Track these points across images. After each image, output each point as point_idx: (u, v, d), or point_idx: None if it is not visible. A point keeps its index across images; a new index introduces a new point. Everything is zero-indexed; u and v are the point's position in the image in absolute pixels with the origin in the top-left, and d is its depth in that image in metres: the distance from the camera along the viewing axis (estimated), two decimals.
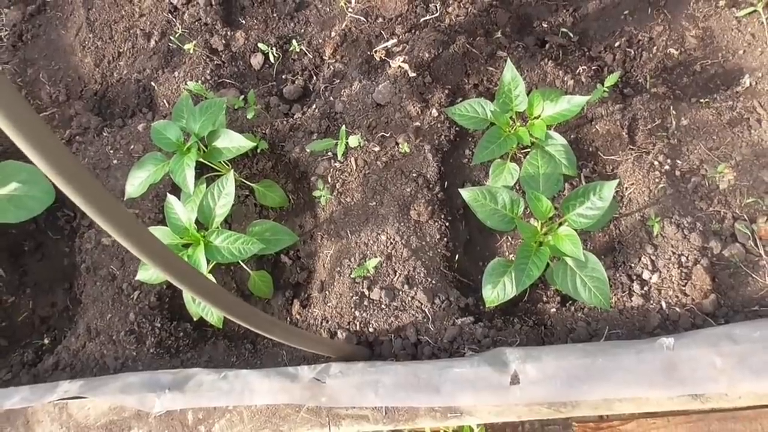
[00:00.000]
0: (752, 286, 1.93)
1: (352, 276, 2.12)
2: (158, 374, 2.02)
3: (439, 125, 2.35)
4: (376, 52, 2.54)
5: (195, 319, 2.22)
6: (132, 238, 1.06)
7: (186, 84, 2.63)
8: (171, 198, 2.10)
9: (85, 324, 2.26)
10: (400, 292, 2.08)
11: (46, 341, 2.42)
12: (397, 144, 2.32)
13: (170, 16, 2.84)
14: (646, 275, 2.00)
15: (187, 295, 2.16)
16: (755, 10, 2.38)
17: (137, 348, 2.20)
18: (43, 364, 2.24)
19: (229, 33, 2.78)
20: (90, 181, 0.95)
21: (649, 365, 1.66)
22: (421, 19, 2.61)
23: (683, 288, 1.93)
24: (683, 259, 1.97)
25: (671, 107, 2.28)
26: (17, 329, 2.53)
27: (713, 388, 1.63)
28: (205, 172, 2.34)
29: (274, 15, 2.85)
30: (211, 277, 2.09)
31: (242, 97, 2.60)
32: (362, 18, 2.67)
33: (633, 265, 2.04)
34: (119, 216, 1.03)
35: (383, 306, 2.07)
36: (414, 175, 2.27)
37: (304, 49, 2.73)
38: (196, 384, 1.94)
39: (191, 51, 2.71)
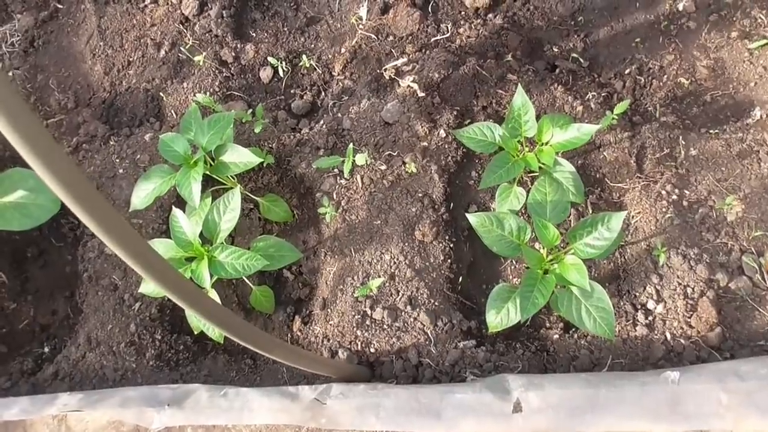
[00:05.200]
0: (759, 320, 1.92)
1: (354, 295, 2.11)
2: (157, 389, 2.01)
3: (446, 146, 2.35)
4: (385, 70, 2.55)
5: (196, 333, 2.21)
6: (137, 258, 1.05)
7: (194, 95, 2.63)
8: (177, 212, 2.10)
9: (86, 334, 2.26)
10: (403, 313, 2.07)
11: (46, 350, 2.41)
12: (403, 163, 2.31)
13: (181, 27, 2.85)
14: (651, 305, 1.99)
15: None
16: (767, 43, 2.39)
17: (137, 360, 2.20)
18: (43, 373, 2.24)
19: (239, 45, 2.79)
20: (95, 197, 0.95)
21: (654, 398, 1.65)
22: (432, 39, 2.61)
23: (688, 320, 1.92)
24: (689, 290, 1.96)
25: (680, 137, 2.28)
26: (17, 336, 2.52)
27: (719, 425, 1.61)
28: (211, 185, 2.34)
29: (285, 29, 2.86)
30: (213, 291, 2.09)
31: (250, 110, 2.60)
32: (373, 35, 2.68)
33: (638, 294, 2.03)
34: (125, 235, 1.02)
35: (385, 326, 2.06)
36: (420, 195, 2.26)
37: (313, 64, 2.73)
38: (195, 400, 1.93)
39: (201, 62, 2.71)
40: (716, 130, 2.31)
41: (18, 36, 3.00)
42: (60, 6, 3.06)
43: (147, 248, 1.09)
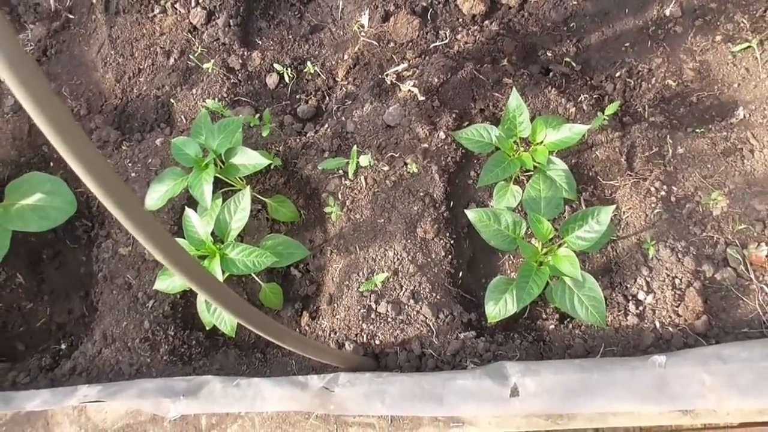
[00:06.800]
0: (742, 308, 2.02)
1: (360, 290, 2.21)
2: (173, 381, 2.10)
3: (446, 147, 2.46)
4: (387, 75, 2.66)
5: (208, 328, 2.30)
6: (164, 250, 1.15)
7: (204, 101, 2.74)
8: (189, 212, 2.20)
9: (102, 331, 2.35)
10: (406, 306, 2.17)
11: (63, 347, 2.50)
12: (405, 164, 2.42)
13: (189, 35, 2.96)
14: (641, 296, 2.09)
15: (201, 305, 2.25)
16: (750, 46, 2.50)
17: (151, 355, 2.28)
18: (61, 369, 2.32)
19: (246, 53, 2.90)
20: (130, 196, 1.05)
21: (642, 381, 1.75)
22: (431, 45, 2.72)
23: (676, 309, 2.03)
24: (677, 281, 2.06)
25: (668, 136, 2.38)
26: (35, 334, 2.61)
27: (702, 405, 1.71)
28: (220, 187, 2.44)
29: (290, 37, 2.97)
30: None
31: (257, 115, 2.71)
32: (374, 42, 2.79)
33: (629, 285, 2.13)
34: (155, 232, 1.12)
35: (389, 319, 2.15)
36: (421, 194, 2.37)
37: (317, 70, 2.84)
38: (209, 391, 2.02)
39: (209, 69, 2.82)
40: (702, 129, 2.42)
41: (31, 45, 3.11)
42: (71, 16, 3.16)
43: (174, 244, 1.19)
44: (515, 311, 1.98)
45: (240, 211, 2.21)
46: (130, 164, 2.67)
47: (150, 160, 2.66)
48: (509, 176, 2.25)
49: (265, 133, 2.53)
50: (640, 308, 2.07)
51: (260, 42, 2.97)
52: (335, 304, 2.25)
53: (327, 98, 2.81)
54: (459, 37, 2.72)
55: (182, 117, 2.81)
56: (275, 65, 2.85)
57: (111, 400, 2.05)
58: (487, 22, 2.78)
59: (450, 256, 2.30)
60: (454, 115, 2.51)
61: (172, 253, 1.17)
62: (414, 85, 2.54)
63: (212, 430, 2.01)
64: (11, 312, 2.64)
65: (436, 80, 2.56)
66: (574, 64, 2.68)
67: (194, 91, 2.83)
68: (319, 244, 2.50)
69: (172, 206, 2.54)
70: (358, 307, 2.19)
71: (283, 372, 2.20)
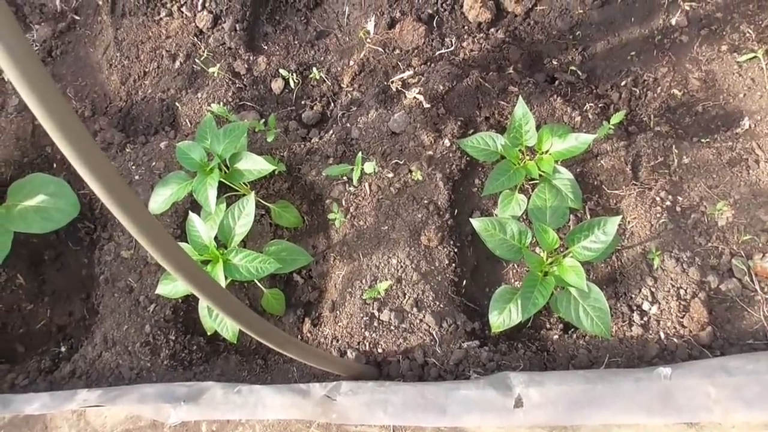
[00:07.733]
0: (747, 320, 2.01)
1: (362, 297, 2.20)
2: (174, 386, 2.09)
3: (450, 155, 2.45)
4: (392, 82, 2.65)
5: (209, 334, 2.29)
6: (167, 255, 1.14)
7: (209, 105, 2.74)
8: (193, 216, 2.19)
9: (102, 334, 2.34)
10: (409, 315, 2.15)
11: (63, 349, 2.49)
12: (410, 171, 2.41)
13: (196, 39, 2.96)
14: (645, 306, 2.08)
15: (203, 310, 2.24)
16: (755, 56, 2.49)
17: (152, 359, 2.28)
18: (60, 372, 2.32)
19: (251, 58, 2.90)
20: (134, 200, 1.04)
21: (647, 393, 1.74)
22: (437, 53, 2.72)
23: (681, 320, 2.02)
24: (682, 292, 2.05)
25: (674, 146, 2.38)
26: (34, 336, 2.61)
27: (708, 418, 1.70)
28: (225, 192, 2.44)
29: (296, 42, 2.97)
30: None
31: (262, 120, 2.70)
32: (380, 49, 2.78)
33: (633, 296, 2.12)
34: (159, 236, 1.11)
35: (392, 327, 2.14)
36: (425, 201, 2.36)
37: (323, 76, 2.84)
38: (210, 397, 2.01)
39: (215, 74, 2.82)
40: (707, 139, 2.41)
41: (36, 46, 3.11)
42: (77, 18, 3.17)
43: (177, 248, 1.18)
44: (520, 321, 1.97)
45: (244, 216, 2.20)
46: (134, 167, 2.66)
47: (154, 164, 2.65)
48: (514, 185, 2.25)
49: (269, 139, 2.52)
50: (645, 319, 2.06)
51: (266, 47, 2.97)
52: (338, 312, 2.24)
53: (332, 104, 2.80)
54: (465, 44, 2.72)
55: (187, 121, 2.80)
56: (281, 70, 2.84)
57: (111, 404, 2.04)
58: (492, 29, 2.78)
59: (454, 265, 2.29)
60: (459, 123, 2.51)
61: (175, 258, 1.17)
62: (419, 93, 2.54)
63: None
64: (11, 313, 2.63)
65: (441, 88, 2.56)
66: (579, 72, 2.67)
67: (199, 95, 2.83)
68: (322, 250, 2.49)
69: (175, 210, 2.54)
70: (361, 315, 2.18)
71: (285, 379, 2.19)
